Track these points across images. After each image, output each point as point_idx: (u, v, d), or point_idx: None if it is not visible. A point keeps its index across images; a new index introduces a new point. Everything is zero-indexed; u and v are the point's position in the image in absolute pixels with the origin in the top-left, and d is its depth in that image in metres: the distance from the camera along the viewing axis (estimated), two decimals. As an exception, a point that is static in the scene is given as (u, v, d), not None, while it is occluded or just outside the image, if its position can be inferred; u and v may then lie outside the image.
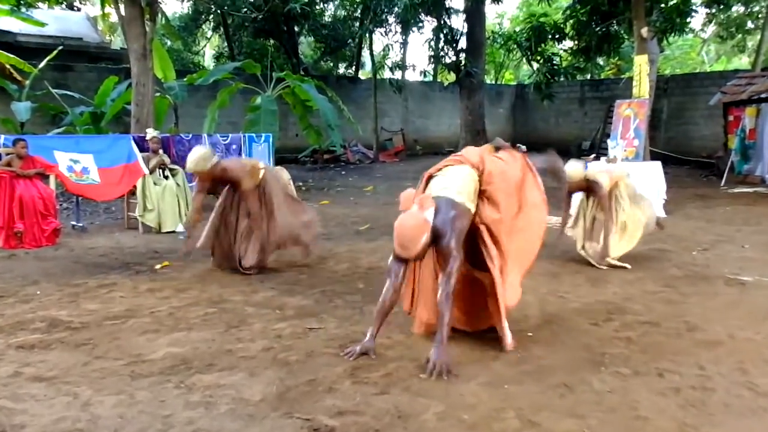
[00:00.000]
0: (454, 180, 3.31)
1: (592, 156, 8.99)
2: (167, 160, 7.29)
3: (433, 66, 17.61)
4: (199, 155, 4.74)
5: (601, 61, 17.93)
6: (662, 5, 10.68)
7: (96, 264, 5.40)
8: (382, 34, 16.07)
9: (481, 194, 3.38)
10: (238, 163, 5.12)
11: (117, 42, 19.20)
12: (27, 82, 10.72)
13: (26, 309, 4.06)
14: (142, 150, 7.10)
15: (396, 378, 2.97)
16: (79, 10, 19.20)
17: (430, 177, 3.46)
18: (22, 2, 11.81)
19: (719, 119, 12.68)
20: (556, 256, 5.45)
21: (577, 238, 5.45)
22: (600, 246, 5.18)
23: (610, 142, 8.40)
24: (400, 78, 17.60)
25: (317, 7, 18.33)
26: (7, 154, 6.17)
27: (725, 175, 10.91)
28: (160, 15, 10.66)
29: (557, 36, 13.68)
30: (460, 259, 3.13)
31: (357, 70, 20.53)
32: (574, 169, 5.18)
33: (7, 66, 10.63)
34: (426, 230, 3.02)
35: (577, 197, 5.61)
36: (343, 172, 13.82)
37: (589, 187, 5.26)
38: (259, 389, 2.84)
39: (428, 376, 2.97)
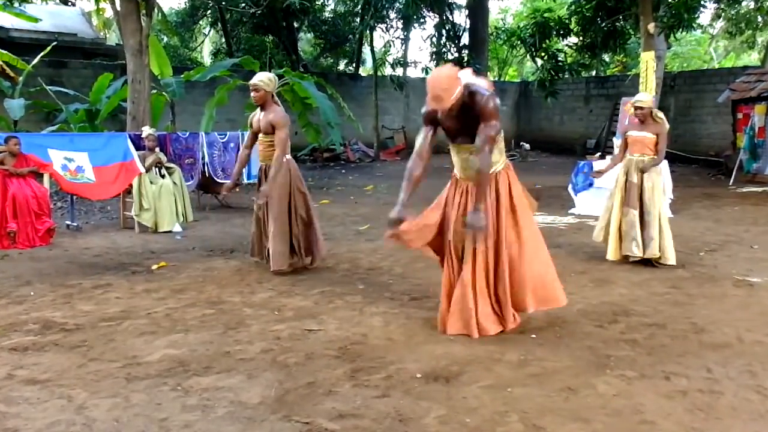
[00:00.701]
0: None
1: (598, 155, 8.94)
2: (164, 158, 7.23)
3: (435, 62, 17.46)
4: (269, 75, 4.94)
5: (606, 57, 17.82)
6: (670, 0, 10.57)
7: (91, 264, 5.36)
8: (383, 30, 16.01)
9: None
10: (286, 114, 5.02)
11: (112, 38, 19.13)
12: (20, 79, 10.63)
13: (19, 310, 4.03)
14: (138, 148, 7.04)
15: (397, 381, 2.93)
16: (73, 5, 19.13)
17: None
18: (14, -3, 11.70)
19: (728, 117, 12.58)
20: (560, 256, 5.38)
21: (612, 223, 5.29)
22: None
23: (615, 141, 8.34)
24: (401, 75, 17.48)
25: (317, 2, 18.24)
26: (0, 153, 6.10)
27: (734, 174, 10.85)
28: (156, 10, 10.59)
29: (562, 32, 13.60)
30: (498, 128, 3.33)
31: (357, 67, 20.44)
32: (647, 95, 5.28)
33: (0, 62, 10.54)
34: (458, 84, 3.21)
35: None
36: (344, 171, 13.77)
37: (646, 124, 5.14)
38: (258, 392, 2.81)
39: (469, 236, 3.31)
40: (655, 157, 5.16)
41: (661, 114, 5.26)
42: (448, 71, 3.26)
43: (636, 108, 5.17)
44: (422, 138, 3.52)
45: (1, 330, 3.64)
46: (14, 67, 10.62)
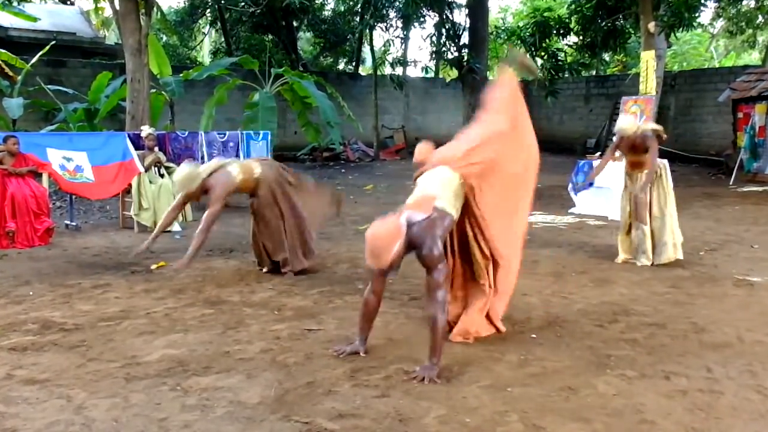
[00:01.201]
0: (433, 185, 3.27)
1: (598, 154, 8.93)
2: (163, 157, 7.21)
3: (434, 62, 17.46)
4: (184, 175, 4.46)
5: (606, 56, 17.79)
6: (670, -1, 10.53)
7: (90, 264, 5.34)
8: (382, 30, 15.97)
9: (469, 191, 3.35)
10: (226, 177, 4.60)
11: (111, 37, 19.11)
12: (19, 78, 10.61)
13: (18, 310, 4.01)
14: (137, 147, 7.01)
15: (397, 380, 2.92)
16: (72, 4, 19.09)
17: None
18: (13, -4, 11.68)
19: (728, 116, 12.59)
20: (560, 256, 5.38)
21: (621, 227, 5.28)
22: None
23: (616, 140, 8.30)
24: (401, 74, 17.45)
25: (316, 1, 18.23)
26: None
27: (734, 174, 10.85)
28: (155, 9, 10.56)
29: (562, 31, 13.56)
30: (447, 270, 3.10)
31: (357, 66, 20.42)
32: (628, 120, 5.01)
33: (-1, 61, 10.53)
34: (398, 238, 2.94)
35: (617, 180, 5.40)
36: (343, 171, 13.76)
37: (637, 146, 4.94)
38: (257, 392, 2.80)
39: (416, 379, 2.94)
40: (647, 172, 5.00)
41: (648, 126, 5.09)
42: (388, 227, 2.93)
43: (622, 138, 4.97)
44: (374, 284, 3.19)
45: (0, 330, 3.63)
46: (13, 66, 10.60)
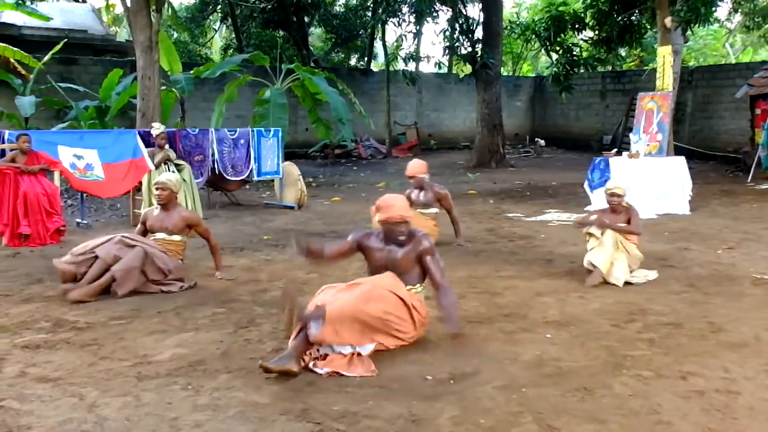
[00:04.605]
0: None
1: (614, 151, 8.81)
2: (173, 155, 7.21)
3: (448, 57, 17.31)
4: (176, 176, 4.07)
5: (623, 52, 17.53)
6: (686, -6, 10.34)
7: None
8: (395, 25, 15.85)
9: None
10: None
11: (122, 34, 19.18)
12: (31, 76, 10.71)
13: (31, 308, 4.03)
14: (147, 145, 7.03)
15: (409, 381, 2.89)
16: (84, 1, 19.19)
17: None
18: (26, -4, 11.77)
19: (746, 113, 12.46)
20: (576, 254, 5.30)
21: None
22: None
23: (632, 137, 8.23)
24: (413, 70, 17.31)
25: (327, -4, 18.17)
26: (12, 150, 6.12)
27: (752, 171, 10.68)
28: (166, 6, 10.61)
29: (577, 26, 13.37)
30: None
31: (369, 62, 20.34)
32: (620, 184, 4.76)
33: (12, 60, 10.63)
34: None
35: None
36: (355, 168, 13.74)
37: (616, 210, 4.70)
38: (269, 392, 2.79)
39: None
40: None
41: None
42: None
43: (613, 195, 4.65)
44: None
45: (13, 328, 3.65)
46: (25, 64, 10.71)
